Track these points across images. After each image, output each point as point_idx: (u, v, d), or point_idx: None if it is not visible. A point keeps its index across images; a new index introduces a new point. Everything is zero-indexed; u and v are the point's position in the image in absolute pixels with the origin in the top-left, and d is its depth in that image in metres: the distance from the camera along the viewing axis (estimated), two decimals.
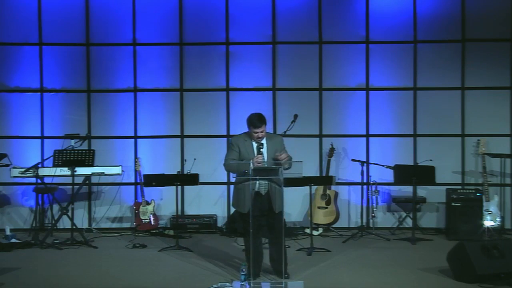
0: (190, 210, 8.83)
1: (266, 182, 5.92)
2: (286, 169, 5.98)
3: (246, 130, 6.08)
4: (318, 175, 8.59)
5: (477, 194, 8.09)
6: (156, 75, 8.96)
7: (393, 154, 8.73)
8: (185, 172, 8.37)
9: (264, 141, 6.07)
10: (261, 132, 5.98)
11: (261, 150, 5.98)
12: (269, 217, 5.98)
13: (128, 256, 7.17)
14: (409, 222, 8.47)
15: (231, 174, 7.83)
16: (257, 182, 5.89)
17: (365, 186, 8.31)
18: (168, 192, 8.55)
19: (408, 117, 8.80)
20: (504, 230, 8.24)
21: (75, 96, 8.98)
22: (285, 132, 8.18)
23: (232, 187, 8.74)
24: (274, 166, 5.84)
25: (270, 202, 5.95)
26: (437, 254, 6.81)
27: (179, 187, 8.06)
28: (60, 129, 8.87)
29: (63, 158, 7.89)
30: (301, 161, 5.99)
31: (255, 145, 6.05)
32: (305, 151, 8.69)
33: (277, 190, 5.97)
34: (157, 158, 8.90)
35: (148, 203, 8.55)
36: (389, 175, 8.23)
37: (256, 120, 5.99)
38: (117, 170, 8.22)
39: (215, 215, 8.74)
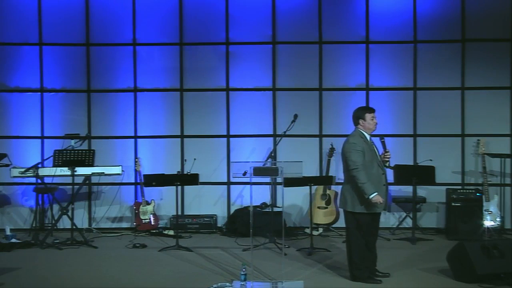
0: (190, 210, 8.83)
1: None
2: None
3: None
4: (318, 175, 8.58)
5: (477, 194, 8.10)
6: (156, 75, 8.96)
7: (393, 154, 8.62)
8: (185, 172, 8.37)
9: None
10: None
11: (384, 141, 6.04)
12: None
13: (128, 256, 7.17)
14: (409, 222, 8.47)
15: (231, 173, 7.75)
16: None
17: None
18: (168, 192, 8.56)
19: (408, 117, 8.80)
20: (504, 230, 8.23)
21: (75, 96, 8.97)
22: (285, 132, 8.19)
23: (232, 187, 8.83)
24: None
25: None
26: (437, 254, 6.81)
27: (179, 187, 8.06)
28: (60, 129, 8.87)
29: (63, 158, 7.88)
30: (301, 161, 5.98)
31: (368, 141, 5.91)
32: (305, 151, 8.69)
33: None
34: (157, 158, 8.89)
35: (148, 203, 8.55)
36: (389, 175, 8.20)
37: (368, 107, 6.07)
38: (117, 170, 8.22)
39: (215, 215, 8.74)
